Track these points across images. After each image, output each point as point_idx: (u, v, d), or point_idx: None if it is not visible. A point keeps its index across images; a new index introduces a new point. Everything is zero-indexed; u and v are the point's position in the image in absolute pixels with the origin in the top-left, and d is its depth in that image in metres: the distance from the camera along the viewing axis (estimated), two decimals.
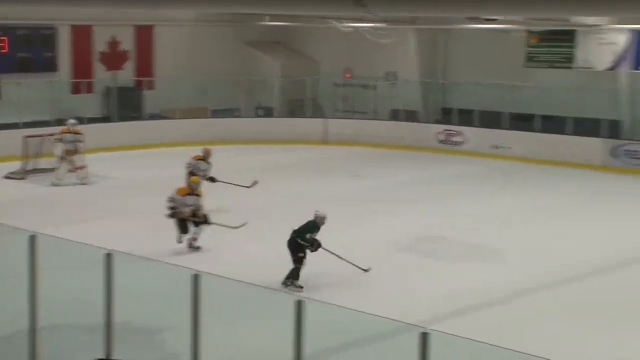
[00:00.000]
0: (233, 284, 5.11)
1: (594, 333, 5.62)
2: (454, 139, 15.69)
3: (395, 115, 16.40)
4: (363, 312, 4.19)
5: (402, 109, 16.29)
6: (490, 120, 15.33)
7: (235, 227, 7.90)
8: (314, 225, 6.59)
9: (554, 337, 5.46)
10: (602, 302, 6.44)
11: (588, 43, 15.11)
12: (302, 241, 6.48)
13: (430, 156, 14.83)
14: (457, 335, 3.91)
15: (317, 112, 16.89)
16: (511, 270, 7.42)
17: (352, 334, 4.86)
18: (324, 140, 15.83)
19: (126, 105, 15.03)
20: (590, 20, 13.76)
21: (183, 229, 7.59)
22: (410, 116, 16.11)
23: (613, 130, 14.79)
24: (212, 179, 9.39)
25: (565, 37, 15.33)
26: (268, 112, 16.97)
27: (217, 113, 15.97)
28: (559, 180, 12.70)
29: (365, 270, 6.87)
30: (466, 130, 15.46)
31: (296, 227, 6.55)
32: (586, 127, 14.86)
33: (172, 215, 7.52)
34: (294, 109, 16.98)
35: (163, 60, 15.83)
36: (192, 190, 7.73)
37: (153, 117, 15.57)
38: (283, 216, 8.10)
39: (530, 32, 15.58)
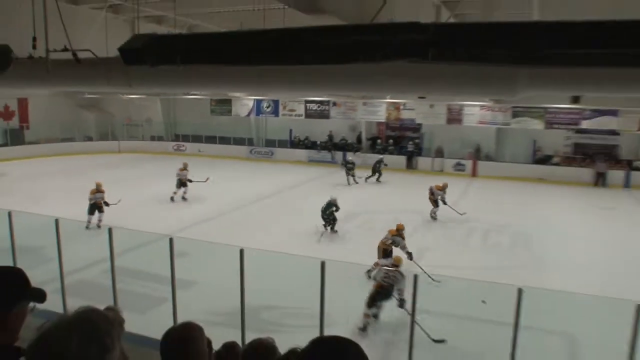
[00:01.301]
0: None
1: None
2: (181, 148, 34.94)
3: (152, 138, 35.23)
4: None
5: (156, 135, 35.27)
6: (198, 138, 33.28)
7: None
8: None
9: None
10: None
11: (236, 103, 30.19)
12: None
13: (169, 157, 29.81)
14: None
15: (114, 138, 34.95)
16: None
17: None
18: (120, 150, 33.87)
19: (14, 137, 30.72)
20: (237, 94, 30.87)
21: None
22: (160, 138, 35.07)
23: (249, 141, 30.82)
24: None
25: (228, 101, 34.28)
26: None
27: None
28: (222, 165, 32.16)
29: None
30: (186, 144, 33.56)
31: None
32: (238, 140, 30.62)
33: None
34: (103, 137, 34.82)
35: (33, 114, 31.96)
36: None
37: (30, 143, 32.35)
38: None
39: (212, 99, 35.18)
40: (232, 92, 26.10)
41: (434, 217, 15.77)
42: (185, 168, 17.61)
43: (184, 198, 17.44)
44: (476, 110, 23.72)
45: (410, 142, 27.70)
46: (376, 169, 21.77)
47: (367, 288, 8.65)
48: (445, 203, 15.75)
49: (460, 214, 15.54)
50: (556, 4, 11.08)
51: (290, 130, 30.39)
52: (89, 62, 6.80)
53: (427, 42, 2.92)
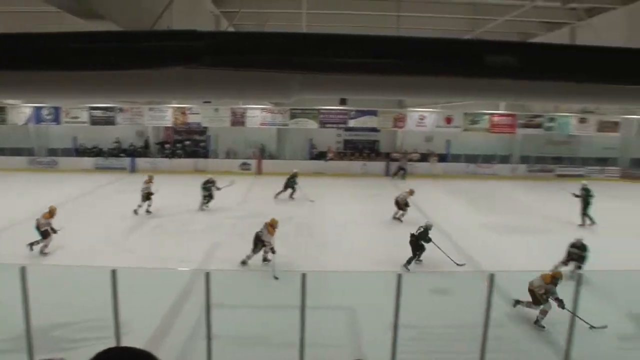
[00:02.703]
0: None
1: None
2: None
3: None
4: None
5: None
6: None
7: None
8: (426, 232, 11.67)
9: None
10: None
11: (12, 111, 24.40)
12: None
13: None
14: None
15: None
16: None
17: None
18: None
19: None
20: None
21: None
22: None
23: (29, 151, 27.69)
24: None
25: (1, 109, 28.44)
26: None
27: None
28: None
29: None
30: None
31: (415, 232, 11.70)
32: (16, 150, 27.11)
33: None
34: None
35: None
36: None
37: None
38: None
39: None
40: None
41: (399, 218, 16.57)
42: (150, 180, 16.64)
43: (148, 211, 16.44)
44: (258, 113, 24.68)
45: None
46: (289, 185, 20.07)
47: (162, 294, 8.43)
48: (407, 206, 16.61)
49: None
50: (322, 18, 12.16)
51: (75, 138, 28.32)
52: None
53: (202, 49, 3.01)
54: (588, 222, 16.47)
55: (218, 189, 17.14)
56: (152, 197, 16.51)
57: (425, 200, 19.36)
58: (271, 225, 11.35)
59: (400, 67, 3.15)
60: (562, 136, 28.00)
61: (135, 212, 16.37)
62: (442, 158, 28.18)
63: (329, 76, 5.32)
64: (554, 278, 8.46)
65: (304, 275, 5.85)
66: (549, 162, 28.32)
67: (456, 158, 28.25)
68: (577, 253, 11.03)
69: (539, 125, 25.57)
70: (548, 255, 11.58)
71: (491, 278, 6.15)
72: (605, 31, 9.77)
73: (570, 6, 10.24)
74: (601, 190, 19.17)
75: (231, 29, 10.96)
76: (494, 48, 3.43)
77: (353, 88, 6.36)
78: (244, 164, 27.38)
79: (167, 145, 28.38)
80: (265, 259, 11.42)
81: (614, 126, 26.22)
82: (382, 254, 12.48)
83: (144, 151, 28.23)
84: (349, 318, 8.78)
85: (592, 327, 7.85)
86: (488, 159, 27.96)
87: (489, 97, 3.88)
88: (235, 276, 10.21)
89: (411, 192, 16.94)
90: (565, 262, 11.10)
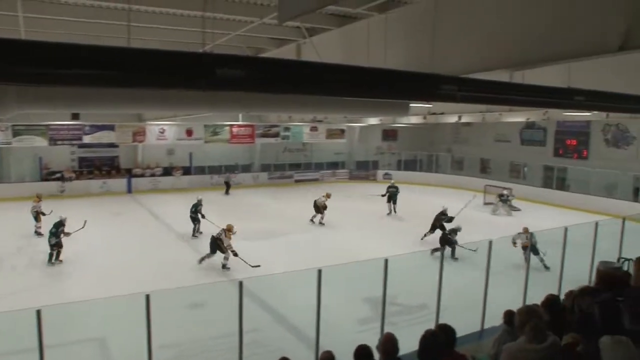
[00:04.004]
0: None
1: None
2: None
3: None
4: None
5: None
6: None
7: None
8: None
9: None
10: None
11: None
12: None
13: None
14: None
15: None
16: None
17: None
18: None
19: None
20: None
21: None
22: None
23: None
24: None
25: None
26: None
27: None
28: None
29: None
30: None
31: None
32: None
33: None
34: None
35: None
36: None
37: None
38: None
39: None
40: None
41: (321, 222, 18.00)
42: (40, 199, 16.25)
43: (38, 233, 15.53)
44: None
45: None
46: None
47: None
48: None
49: None
50: (45, 24, 11.01)
51: None
52: None
53: None
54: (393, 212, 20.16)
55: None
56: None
57: (176, 213, 19.03)
58: (229, 230, 12.79)
59: (128, 80, 3.07)
60: (297, 144, 30.87)
61: (37, 232, 15.68)
62: (186, 171, 28.09)
63: (52, 88, 4.89)
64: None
65: (38, 312, 5.17)
66: (288, 169, 30.84)
67: (200, 170, 28.47)
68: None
69: (276, 135, 27.79)
70: (290, 255, 12.53)
71: (240, 285, 6.38)
72: (325, 49, 11.12)
73: (294, 24, 11.34)
74: (336, 190, 21.77)
75: None
76: (223, 62, 3.61)
77: (81, 101, 5.93)
78: None
79: None
80: (224, 266, 12.65)
81: (340, 133, 30.23)
82: (133, 276, 11.81)
83: None
84: (100, 350, 8.11)
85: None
86: (231, 169, 28.94)
87: (223, 109, 4.09)
88: None
89: (328, 195, 18.24)
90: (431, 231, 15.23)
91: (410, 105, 11.64)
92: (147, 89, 3.48)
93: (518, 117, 20.98)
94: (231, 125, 26.03)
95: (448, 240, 13.48)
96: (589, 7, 5.96)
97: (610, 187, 22.81)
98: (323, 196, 18.54)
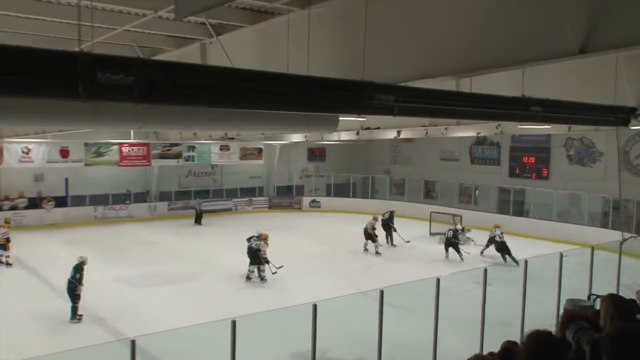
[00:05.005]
0: None
1: None
2: None
3: None
4: None
5: None
6: None
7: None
8: None
9: None
10: None
11: None
12: None
13: None
14: None
15: None
16: None
17: None
18: None
19: None
20: None
21: None
22: None
23: None
24: None
25: None
26: None
27: None
28: None
29: None
30: None
31: None
32: None
33: None
34: None
35: None
36: None
37: None
38: None
39: None
40: None
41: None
42: (8, 224, 18.09)
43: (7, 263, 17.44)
44: None
45: None
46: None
47: None
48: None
49: None
50: None
51: None
52: None
53: None
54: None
55: None
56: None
57: (40, 255, 18.29)
58: (265, 239, 15.76)
59: None
60: (205, 166, 30.42)
61: (8, 263, 17.39)
62: (61, 202, 26.84)
63: None
64: None
65: None
66: (193, 197, 29.97)
67: (79, 201, 27.26)
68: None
69: (177, 155, 27.15)
70: (196, 305, 12.24)
71: (132, 345, 6.16)
72: (235, 50, 11.09)
73: (198, 20, 11.24)
74: (252, 223, 21.48)
75: None
76: (105, 64, 3.48)
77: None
78: None
79: None
80: (262, 278, 15.69)
81: (257, 153, 29.99)
82: None
83: None
84: None
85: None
86: (121, 198, 28.04)
87: (108, 123, 3.96)
88: None
89: (375, 218, 20.46)
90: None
91: (340, 118, 11.78)
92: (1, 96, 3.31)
93: (467, 131, 21.56)
94: (120, 144, 25.10)
95: (452, 243, 18.66)
96: (547, 5, 6.30)
97: (575, 211, 24.08)
98: (372, 219, 20.20)
